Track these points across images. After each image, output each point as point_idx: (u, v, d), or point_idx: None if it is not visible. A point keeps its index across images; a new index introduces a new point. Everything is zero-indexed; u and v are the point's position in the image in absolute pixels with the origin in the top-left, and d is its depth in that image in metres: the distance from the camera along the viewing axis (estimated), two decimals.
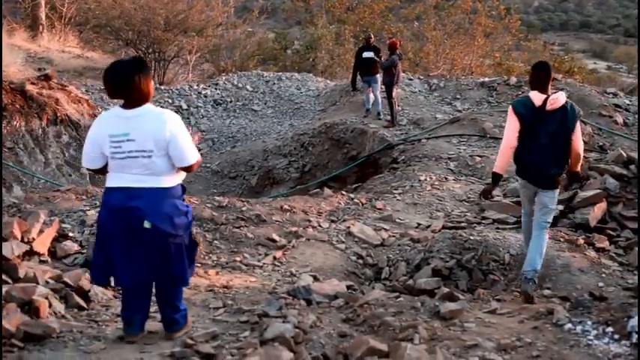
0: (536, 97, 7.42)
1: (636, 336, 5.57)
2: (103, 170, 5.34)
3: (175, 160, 5.18)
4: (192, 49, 28.95)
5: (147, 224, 5.10)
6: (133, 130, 5.07)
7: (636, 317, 5.78)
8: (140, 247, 5.17)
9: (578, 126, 7.50)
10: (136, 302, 5.46)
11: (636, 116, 18.53)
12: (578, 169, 7.79)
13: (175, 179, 5.31)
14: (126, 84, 5.08)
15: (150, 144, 5.05)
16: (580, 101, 18.71)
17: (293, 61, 35.75)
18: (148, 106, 5.18)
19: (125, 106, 5.16)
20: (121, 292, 6.12)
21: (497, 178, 7.72)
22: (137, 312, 5.50)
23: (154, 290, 5.54)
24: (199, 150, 8.34)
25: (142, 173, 5.13)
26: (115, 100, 5.35)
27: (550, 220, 7.65)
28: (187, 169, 5.32)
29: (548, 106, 7.36)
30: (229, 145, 20.36)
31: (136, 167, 5.11)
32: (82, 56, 26.65)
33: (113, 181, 5.23)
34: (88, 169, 5.48)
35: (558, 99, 7.40)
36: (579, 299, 6.94)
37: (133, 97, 5.12)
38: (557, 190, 7.70)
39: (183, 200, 5.43)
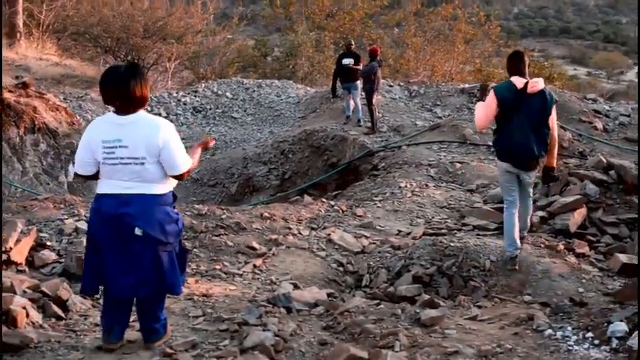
0: (518, 81, 7.98)
1: (616, 341, 5.59)
2: (94, 177, 5.29)
3: (167, 168, 5.16)
4: (171, 57, 28.90)
5: (138, 231, 5.08)
6: (126, 136, 5.06)
7: (616, 322, 5.80)
8: (132, 254, 5.13)
9: (554, 111, 8.17)
10: (118, 312, 5.40)
11: (616, 122, 18.64)
12: (553, 162, 8.34)
13: (167, 187, 5.28)
14: (122, 89, 5.06)
15: (142, 151, 5.04)
16: (560, 107, 18.74)
17: (273, 68, 35.70)
18: (142, 113, 5.19)
19: (119, 112, 5.14)
20: (100, 300, 6.11)
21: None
22: (119, 321, 5.43)
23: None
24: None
25: (134, 180, 5.11)
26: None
27: (531, 191, 8.60)
28: (178, 177, 5.28)
29: (529, 89, 7.93)
30: (209, 153, 20.28)
31: (128, 174, 5.09)
32: (61, 64, 26.49)
33: (104, 187, 5.20)
34: (79, 175, 5.40)
35: (538, 83, 8.02)
36: (559, 305, 6.95)
37: (129, 103, 5.10)
38: (536, 171, 8.40)
39: (174, 208, 5.41)
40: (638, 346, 5.39)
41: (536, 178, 9.24)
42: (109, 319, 5.40)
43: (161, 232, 5.15)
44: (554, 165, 8.40)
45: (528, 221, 8.68)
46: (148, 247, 5.15)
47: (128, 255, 5.13)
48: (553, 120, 8.16)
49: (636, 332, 5.48)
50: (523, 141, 7.96)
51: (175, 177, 5.28)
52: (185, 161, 5.23)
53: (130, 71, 5.16)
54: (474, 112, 8.42)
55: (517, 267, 8.04)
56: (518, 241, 8.16)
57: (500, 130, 8.15)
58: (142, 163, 5.07)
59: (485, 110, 8.08)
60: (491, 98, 8.02)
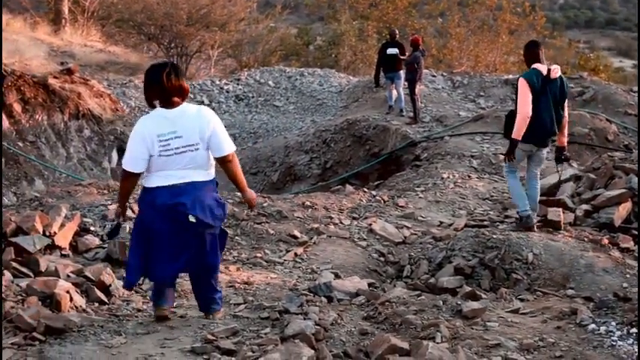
0: (542, 68, 8.87)
1: None
2: (137, 179, 5.73)
3: (215, 150, 5.60)
4: (214, 44, 28.99)
5: (192, 218, 5.51)
6: (180, 127, 5.48)
7: None
8: (183, 240, 5.60)
9: None
10: (164, 288, 5.86)
11: None
12: (565, 142, 9.36)
13: (212, 172, 5.72)
14: (165, 85, 5.50)
15: (196, 137, 5.48)
16: (605, 100, 18.66)
17: (315, 57, 35.75)
18: (186, 105, 5.63)
19: (165, 106, 5.56)
20: (142, 286, 6.45)
21: (516, 143, 8.88)
22: (164, 294, 5.88)
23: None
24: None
25: (187, 167, 5.53)
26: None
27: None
28: (224, 160, 5.66)
29: (552, 75, 8.86)
30: (251, 141, 20.37)
31: (183, 162, 5.51)
32: (105, 51, 26.70)
33: (156, 181, 5.57)
34: (126, 174, 5.70)
35: (557, 68, 9.01)
36: (603, 299, 6.85)
37: (173, 97, 5.54)
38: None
39: (217, 192, 5.82)
40: (638, 348, 5.39)
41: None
42: (160, 291, 5.87)
43: (211, 217, 5.61)
44: (566, 144, 9.40)
45: (537, 203, 9.37)
46: (197, 231, 5.60)
47: (180, 241, 5.60)
48: (566, 103, 9.21)
49: None
50: (548, 120, 8.93)
51: (221, 160, 5.64)
52: (230, 144, 5.67)
53: (170, 68, 5.61)
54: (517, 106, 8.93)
55: (534, 228, 8.92)
56: (536, 203, 9.27)
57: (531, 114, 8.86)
58: (197, 149, 5.50)
59: (525, 98, 8.75)
60: (524, 86, 8.76)
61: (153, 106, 5.63)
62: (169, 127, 5.47)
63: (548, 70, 8.82)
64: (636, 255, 8.42)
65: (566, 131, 9.34)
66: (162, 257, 5.62)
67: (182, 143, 5.46)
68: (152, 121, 5.56)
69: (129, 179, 5.72)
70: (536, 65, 8.89)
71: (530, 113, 8.76)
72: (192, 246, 5.65)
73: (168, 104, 5.55)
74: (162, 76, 5.50)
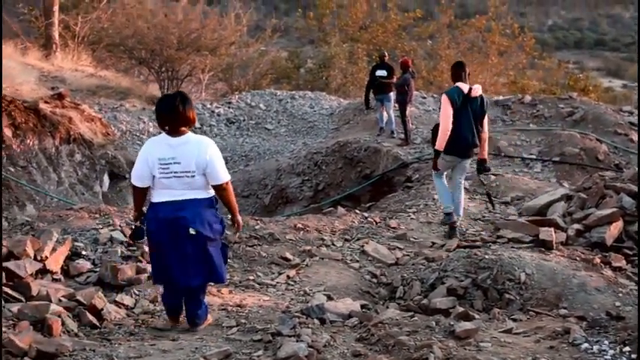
0: (464, 86, 10.18)
1: None
2: (145, 191, 6.42)
3: (211, 179, 6.23)
4: (205, 68, 29.02)
5: (192, 231, 6.14)
6: (179, 154, 6.13)
7: None
8: (187, 251, 6.21)
9: (486, 113, 10.47)
10: (176, 296, 6.52)
11: None
12: (485, 155, 10.63)
13: (210, 192, 6.34)
14: (173, 114, 6.15)
15: (192, 166, 6.12)
16: (595, 120, 18.74)
17: (306, 80, 35.81)
18: (190, 134, 6.27)
19: (171, 134, 6.20)
20: (134, 310, 6.85)
21: (439, 153, 10.32)
22: (177, 304, 6.57)
23: None
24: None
25: (185, 189, 6.19)
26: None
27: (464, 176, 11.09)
28: (219, 188, 6.32)
29: (473, 93, 10.17)
30: (242, 164, 20.38)
31: (181, 185, 6.17)
32: (95, 75, 26.72)
33: (159, 197, 6.27)
34: (134, 186, 6.48)
35: (478, 88, 10.34)
36: (596, 318, 6.87)
37: (179, 125, 6.18)
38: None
39: (217, 210, 6.45)
40: (638, 351, 5.42)
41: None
42: (171, 303, 6.58)
43: (210, 230, 6.24)
44: (486, 157, 10.72)
45: (461, 207, 10.94)
46: (199, 243, 6.21)
47: (184, 251, 6.21)
48: (486, 120, 10.49)
49: None
50: (467, 134, 10.19)
51: (216, 187, 6.32)
52: (225, 174, 6.30)
53: (179, 99, 6.22)
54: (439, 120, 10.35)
55: (456, 224, 10.65)
56: (459, 210, 10.80)
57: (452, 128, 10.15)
58: (193, 176, 6.14)
59: (445, 112, 10.09)
60: (446, 102, 10.08)
61: (165, 131, 6.24)
62: (170, 153, 6.12)
63: (470, 89, 10.13)
64: (628, 274, 8.43)
65: (486, 145, 10.63)
66: (174, 266, 6.25)
67: (180, 169, 6.11)
68: (155, 145, 6.29)
69: (137, 191, 6.50)
70: (458, 84, 10.21)
71: (450, 127, 10.08)
72: (198, 258, 6.25)
73: (174, 132, 6.18)
74: (169, 106, 6.17)
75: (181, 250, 6.20)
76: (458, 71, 10.35)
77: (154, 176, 6.22)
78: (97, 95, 23.80)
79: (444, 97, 10.16)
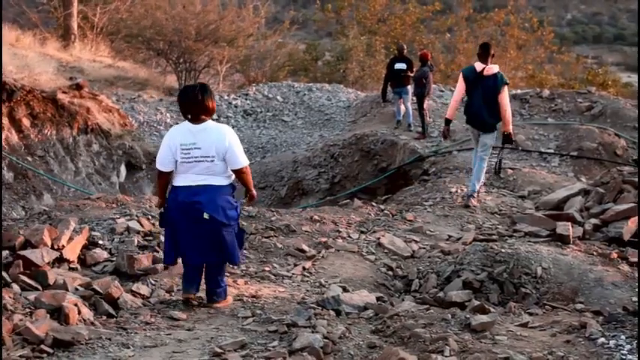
0: (478, 65, 11.34)
1: None
2: (168, 175, 6.79)
3: (231, 164, 6.68)
4: (222, 60, 28.97)
5: (206, 215, 6.55)
6: (200, 140, 6.57)
7: None
8: (201, 232, 6.63)
9: (505, 90, 11.31)
10: (193, 274, 6.92)
11: None
12: (509, 129, 11.53)
13: (227, 179, 6.78)
14: (195, 103, 6.64)
15: (212, 151, 6.56)
16: (614, 114, 18.61)
17: (324, 72, 35.72)
18: (210, 122, 6.74)
19: (193, 121, 6.67)
20: (150, 299, 6.68)
21: (448, 121, 11.97)
22: (194, 280, 6.95)
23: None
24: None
25: (204, 173, 6.61)
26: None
27: (487, 153, 11.84)
28: (239, 172, 6.77)
29: (485, 72, 11.25)
30: (259, 156, 20.37)
31: (200, 169, 6.60)
32: (114, 66, 26.76)
33: (180, 181, 6.71)
34: (159, 171, 6.87)
35: (492, 68, 11.32)
36: (612, 313, 6.83)
37: (200, 114, 6.66)
38: (494, 134, 11.76)
39: (233, 197, 6.86)
40: (638, 352, 5.39)
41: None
42: (187, 280, 6.95)
43: (224, 216, 6.65)
44: (510, 130, 11.54)
45: (476, 184, 11.93)
46: (213, 227, 6.63)
47: (198, 233, 6.63)
48: (503, 97, 11.25)
49: None
50: (477, 110, 11.41)
51: (236, 172, 6.76)
52: (244, 158, 6.75)
53: (199, 89, 6.72)
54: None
55: (469, 205, 11.79)
56: (474, 185, 11.97)
57: (467, 102, 11.73)
58: (212, 161, 6.57)
59: (458, 87, 11.68)
60: (460, 77, 11.54)
61: (187, 119, 6.71)
62: (191, 139, 6.57)
63: (483, 68, 11.26)
64: None
65: (506, 120, 11.40)
66: (189, 245, 6.70)
67: (200, 154, 6.55)
68: (178, 131, 6.76)
69: (161, 176, 6.89)
70: (476, 63, 11.45)
71: (459, 98, 11.78)
72: (212, 239, 6.66)
73: (195, 119, 6.65)
74: (191, 95, 6.65)
75: (194, 231, 6.62)
76: (479, 51, 11.64)
77: (176, 161, 6.63)
78: (114, 86, 23.84)
79: (461, 75, 11.66)
